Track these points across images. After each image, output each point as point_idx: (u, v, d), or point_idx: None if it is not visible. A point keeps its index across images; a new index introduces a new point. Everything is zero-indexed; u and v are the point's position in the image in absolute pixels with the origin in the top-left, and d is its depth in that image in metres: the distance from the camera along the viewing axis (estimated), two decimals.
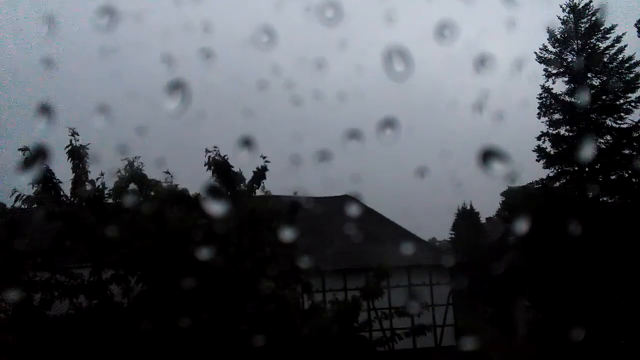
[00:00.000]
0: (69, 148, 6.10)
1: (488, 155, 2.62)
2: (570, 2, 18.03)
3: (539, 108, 18.23)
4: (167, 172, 6.58)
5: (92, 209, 6.08)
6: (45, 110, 4.35)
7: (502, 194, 22.62)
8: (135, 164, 6.31)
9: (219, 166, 6.58)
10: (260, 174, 6.74)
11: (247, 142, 4.65)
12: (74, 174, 6.17)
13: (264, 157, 6.55)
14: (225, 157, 6.39)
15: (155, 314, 5.92)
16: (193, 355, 5.99)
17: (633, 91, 17.11)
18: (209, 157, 6.53)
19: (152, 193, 6.54)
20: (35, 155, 5.17)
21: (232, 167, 6.47)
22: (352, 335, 7.10)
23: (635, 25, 16.97)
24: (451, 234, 35.47)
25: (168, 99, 3.38)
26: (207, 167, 6.55)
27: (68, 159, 6.12)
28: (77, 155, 6.13)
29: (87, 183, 6.16)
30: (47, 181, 5.96)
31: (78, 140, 6.13)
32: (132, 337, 5.87)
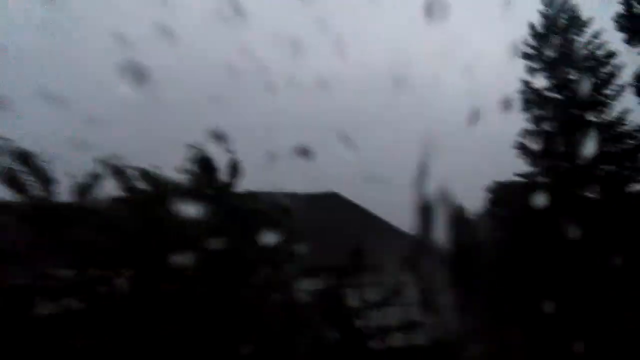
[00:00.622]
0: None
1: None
2: None
3: (521, 104, 18.56)
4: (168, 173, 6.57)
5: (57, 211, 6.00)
6: None
7: (487, 190, 22.88)
8: (115, 160, 6.30)
9: (202, 162, 6.61)
10: (234, 168, 6.80)
11: (219, 137, 4.66)
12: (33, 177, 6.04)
13: (230, 151, 6.57)
14: (204, 152, 6.43)
15: (146, 313, 5.91)
16: (185, 352, 6.00)
17: (609, 84, 17.55)
18: (194, 153, 6.55)
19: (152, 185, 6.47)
20: None
21: (212, 161, 6.51)
22: (340, 323, 7.17)
23: (613, 20, 17.40)
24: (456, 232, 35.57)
25: (122, 84, 3.20)
26: (191, 162, 6.58)
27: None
28: (25, 158, 5.98)
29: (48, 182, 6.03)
30: (11, 182, 5.85)
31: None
32: (121, 336, 5.85)
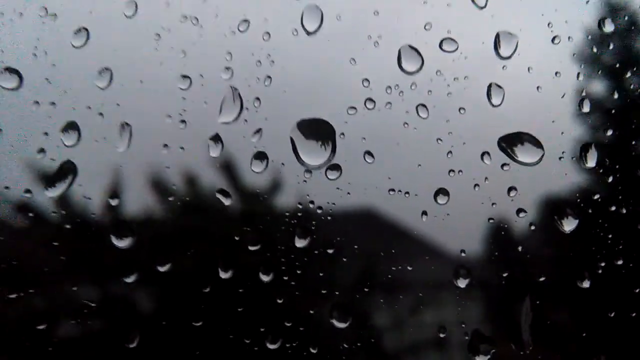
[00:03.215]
0: None
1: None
2: (608, 1, 18.10)
3: (576, 112, 18.29)
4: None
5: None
6: None
7: (541, 203, 22.51)
8: None
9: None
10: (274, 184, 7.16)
11: (260, 157, 4.95)
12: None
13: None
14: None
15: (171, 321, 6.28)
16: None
17: None
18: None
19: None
20: None
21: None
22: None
23: None
24: (483, 246, 35.25)
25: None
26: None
27: None
28: None
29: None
30: None
31: None
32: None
